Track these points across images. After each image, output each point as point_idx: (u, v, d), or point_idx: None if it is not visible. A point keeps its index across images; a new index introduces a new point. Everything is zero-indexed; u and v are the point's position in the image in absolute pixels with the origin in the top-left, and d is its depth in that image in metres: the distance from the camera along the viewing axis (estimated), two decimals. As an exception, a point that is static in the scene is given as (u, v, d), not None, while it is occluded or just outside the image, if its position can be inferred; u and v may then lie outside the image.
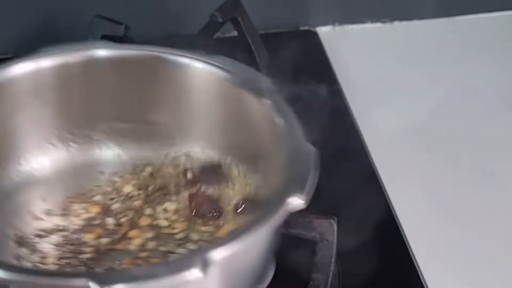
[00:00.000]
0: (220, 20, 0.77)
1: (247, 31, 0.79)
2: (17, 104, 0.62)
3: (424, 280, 0.67)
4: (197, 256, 0.47)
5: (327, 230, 0.63)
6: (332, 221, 0.64)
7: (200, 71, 0.63)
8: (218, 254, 0.48)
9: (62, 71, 0.63)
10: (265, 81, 0.61)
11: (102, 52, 0.64)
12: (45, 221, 0.62)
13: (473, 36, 0.94)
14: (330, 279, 0.62)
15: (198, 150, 0.65)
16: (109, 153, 0.67)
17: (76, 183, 0.65)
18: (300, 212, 0.67)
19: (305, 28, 0.93)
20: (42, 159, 0.65)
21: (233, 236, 0.50)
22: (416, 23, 0.95)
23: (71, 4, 0.86)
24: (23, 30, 0.86)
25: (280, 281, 0.64)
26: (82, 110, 0.65)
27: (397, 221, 0.71)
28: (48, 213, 0.63)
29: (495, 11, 0.97)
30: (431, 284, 0.66)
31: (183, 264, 0.46)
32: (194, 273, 0.46)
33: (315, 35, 0.92)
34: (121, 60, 0.64)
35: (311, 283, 0.61)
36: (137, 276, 0.45)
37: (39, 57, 0.62)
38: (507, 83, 0.89)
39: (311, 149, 0.55)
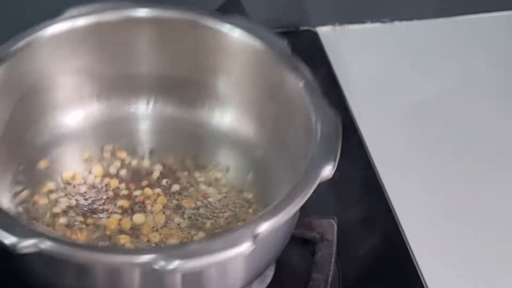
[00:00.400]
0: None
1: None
2: (54, 63, 0.64)
3: (424, 280, 0.67)
4: (247, 229, 0.48)
5: (327, 230, 0.63)
6: (332, 221, 0.64)
7: (235, 40, 0.64)
8: (265, 227, 0.49)
9: (96, 30, 0.64)
10: (299, 62, 0.62)
11: (139, 12, 0.65)
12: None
13: (473, 36, 0.94)
14: (330, 279, 0.62)
15: (230, 117, 0.67)
16: (142, 109, 0.68)
17: (109, 138, 0.67)
18: (300, 212, 0.67)
19: (305, 28, 0.93)
20: (76, 113, 0.67)
21: (278, 208, 0.50)
22: (416, 23, 0.95)
23: (70, 3, 0.86)
24: (22, 30, 0.86)
25: (280, 281, 0.64)
26: (117, 68, 0.67)
27: (397, 221, 0.71)
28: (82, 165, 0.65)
29: (495, 11, 0.97)
30: (431, 284, 0.66)
31: (236, 238, 0.48)
32: (246, 246, 0.47)
33: (315, 35, 0.92)
34: (157, 22, 0.65)
35: (311, 283, 0.61)
36: (196, 252, 0.47)
37: (73, 18, 0.63)
38: (507, 83, 0.89)
39: (335, 121, 0.57)
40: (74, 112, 0.67)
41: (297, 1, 0.91)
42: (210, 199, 0.63)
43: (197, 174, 0.65)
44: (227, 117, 0.67)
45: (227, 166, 0.66)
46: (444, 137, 0.81)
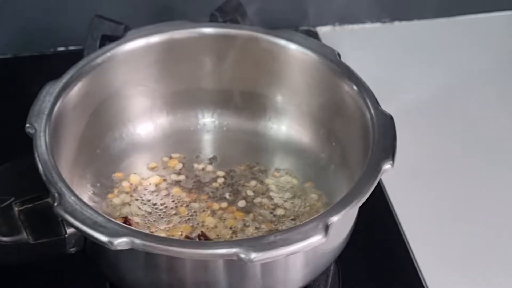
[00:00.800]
0: (220, 20, 0.77)
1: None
2: (129, 77, 0.67)
3: (424, 280, 0.67)
4: (320, 221, 0.51)
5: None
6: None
7: (293, 53, 0.66)
8: (336, 218, 0.52)
9: (168, 47, 0.67)
10: (351, 69, 0.64)
11: (207, 29, 0.68)
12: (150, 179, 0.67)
13: (473, 36, 0.94)
14: (330, 279, 0.62)
15: (287, 126, 0.70)
16: (207, 121, 0.71)
17: (175, 148, 0.70)
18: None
19: (305, 28, 0.93)
20: (146, 125, 0.70)
21: (346, 201, 0.54)
22: (416, 23, 0.95)
23: (70, 4, 0.86)
24: (23, 30, 0.86)
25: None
26: (185, 82, 0.70)
27: (397, 221, 0.71)
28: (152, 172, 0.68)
29: (495, 11, 0.97)
30: (431, 284, 0.66)
31: (311, 229, 0.51)
32: (320, 237, 0.50)
33: (315, 35, 0.92)
34: (222, 38, 0.68)
35: (311, 283, 0.61)
36: (275, 243, 0.50)
37: (148, 34, 0.67)
38: (507, 82, 0.89)
39: (389, 121, 0.60)
40: (144, 124, 0.70)
41: (297, 1, 0.91)
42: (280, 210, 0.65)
43: (268, 181, 0.67)
44: (285, 126, 0.70)
45: (287, 171, 0.68)
46: (444, 137, 0.81)
